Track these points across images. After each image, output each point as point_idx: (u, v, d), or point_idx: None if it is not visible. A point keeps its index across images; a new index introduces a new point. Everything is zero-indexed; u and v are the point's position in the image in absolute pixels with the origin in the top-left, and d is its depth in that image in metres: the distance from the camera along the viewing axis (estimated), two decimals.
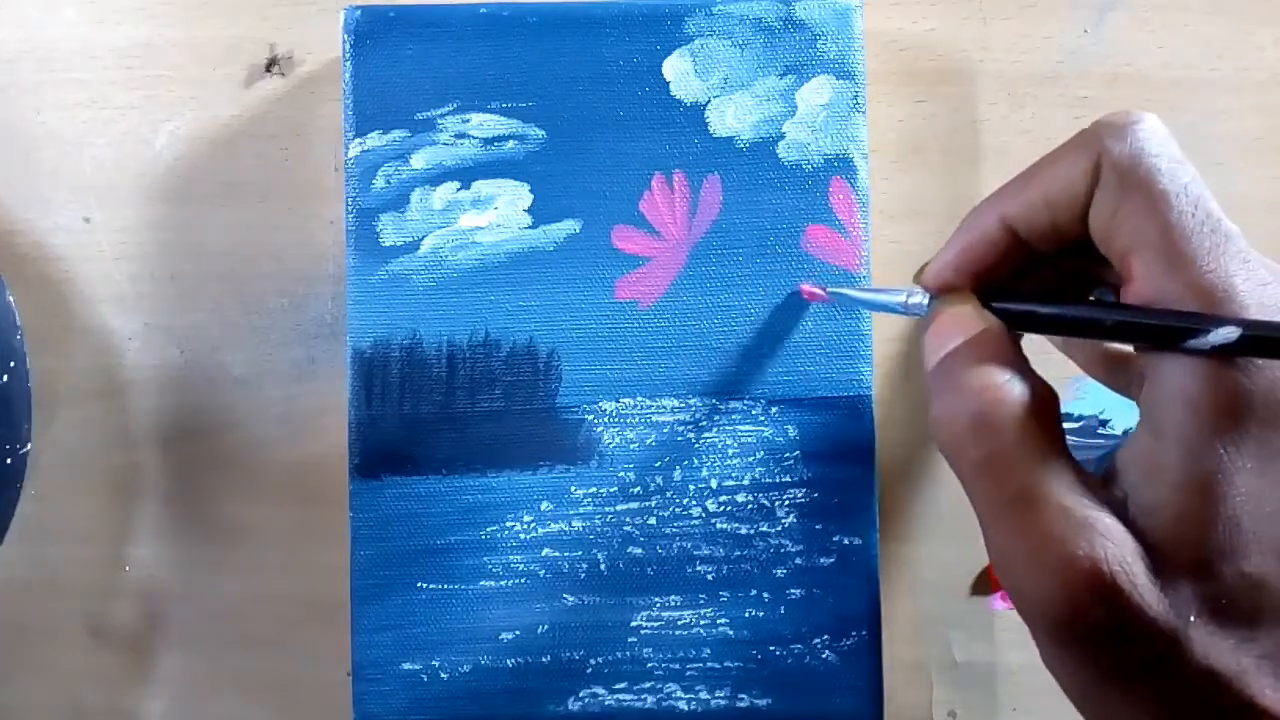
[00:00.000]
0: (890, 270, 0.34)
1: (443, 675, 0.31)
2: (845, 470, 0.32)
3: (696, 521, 0.32)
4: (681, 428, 0.32)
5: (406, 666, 0.31)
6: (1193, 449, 0.20)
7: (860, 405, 0.32)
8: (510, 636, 0.32)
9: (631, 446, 0.32)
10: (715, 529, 0.32)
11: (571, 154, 0.32)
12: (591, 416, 0.32)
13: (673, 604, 0.32)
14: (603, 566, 0.32)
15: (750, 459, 0.32)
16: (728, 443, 0.32)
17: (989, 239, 0.24)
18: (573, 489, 0.32)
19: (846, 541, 0.32)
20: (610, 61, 0.32)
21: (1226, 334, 0.19)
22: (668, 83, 0.32)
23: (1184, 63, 0.35)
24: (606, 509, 0.32)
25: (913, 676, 0.35)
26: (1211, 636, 0.20)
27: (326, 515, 0.34)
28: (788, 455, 0.32)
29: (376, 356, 0.32)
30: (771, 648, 0.31)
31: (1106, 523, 0.20)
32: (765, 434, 0.32)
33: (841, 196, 0.32)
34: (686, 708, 0.31)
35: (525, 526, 0.32)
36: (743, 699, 0.31)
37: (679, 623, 0.32)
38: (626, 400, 0.32)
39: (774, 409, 0.32)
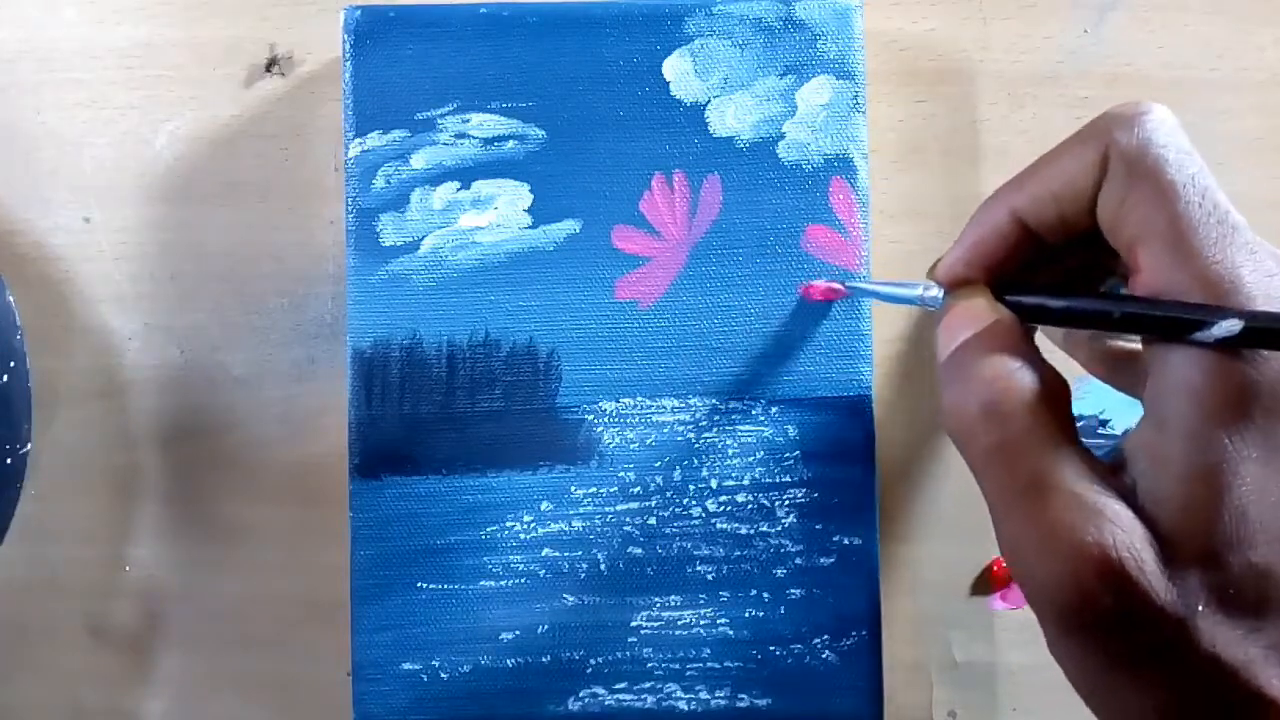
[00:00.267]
0: (890, 270, 0.34)
1: (443, 675, 0.31)
2: (845, 470, 0.32)
3: (696, 521, 0.32)
4: (681, 428, 0.32)
5: (406, 666, 0.31)
6: (1197, 440, 0.20)
7: (860, 405, 0.32)
8: (510, 636, 0.32)
9: (631, 446, 0.32)
10: (715, 529, 0.32)
11: (571, 154, 0.32)
12: (591, 416, 0.32)
13: (673, 604, 0.32)
14: (603, 566, 0.32)
15: (750, 459, 0.32)
16: (728, 443, 0.32)
17: (999, 232, 0.24)
18: (573, 489, 0.32)
19: (846, 541, 0.32)
20: (610, 61, 0.32)
21: (1230, 326, 0.20)
22: (668, 83, 0.32)
23: (1184, 63, 0.35)
24: (606, 509, 0.32)
25: (913, 676, 0.35)
26: (1219, 626, 0.20)
27: (326, 515, 0.34)
28: (788, 455, 0.32)
29: (376, 356, 0.32)
30: (771, 648, 0.31)
31: (1116, 509, 0.20)
32: (765, 434, 0.32)
33: (841, 196, 0.32)
34: (686, 708, 0.31)
35: (525, 526, 0.32)
36: (743, 699, 0.31)
37: (679, 623, 0.32)
38: (626, 400, 0.32)
39: (774, 409, 0.32)
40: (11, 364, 0.33)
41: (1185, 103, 0.35)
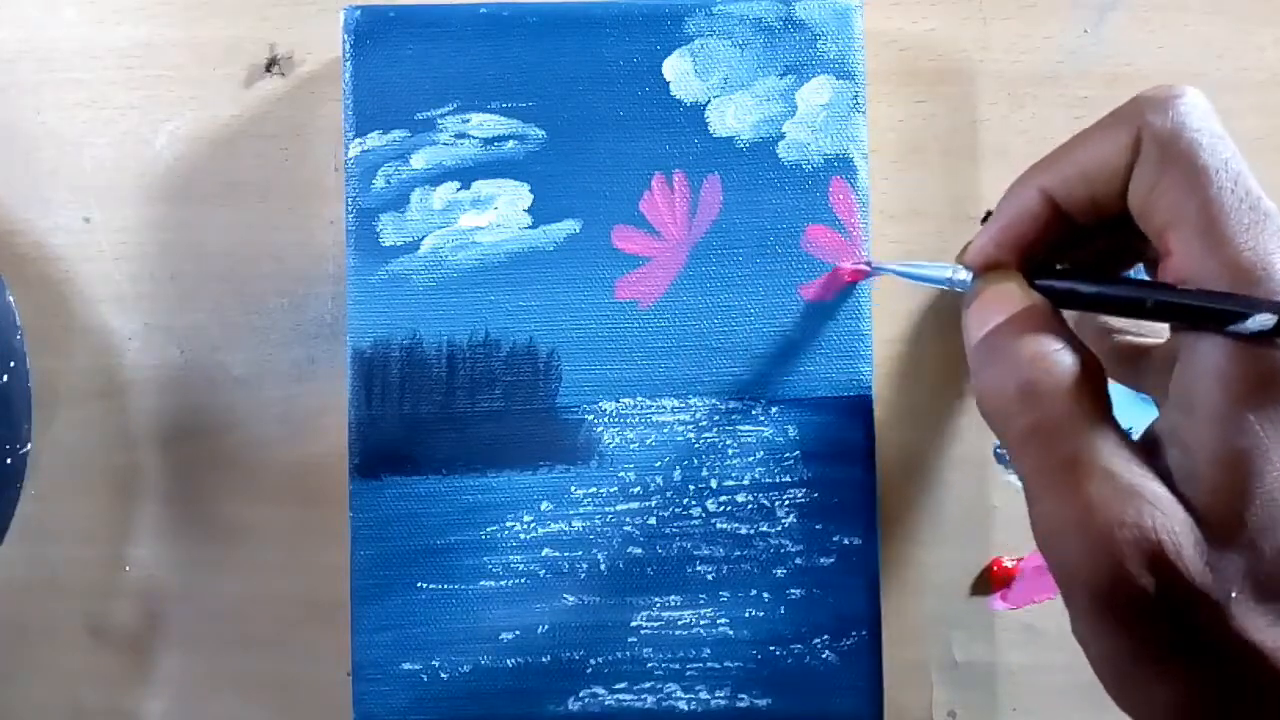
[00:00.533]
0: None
1: (443, 675, 0.31)
2: (845, 470, 0.32)
3: (696, 521, 0.32)
4: (681, 428, 0.32)
5: (406, 666, 0.31)
6: (1227, 425, 0.20)
7: (860, 405, 0.32)
8: (510, 636, 0.32)
9: (631, 446, 0.32)
10: (715, 529, 0.32)
11: (571, 154, 0.32)
12: (591, 416, 0.32)
13: (673, 604, 0.32)
14: (603, 566, 0.32)
15: (750, 459, 0.32)
16: (728, 443, 0.32)
17: (1030, 212, 0.24)
18: (573, 489, 0.32)
19: (846, 541, 0.32)
20: (610, 61, 0.32)
21: (1264, 320, 0.19)
22: (668, 83, 0.32)
23: (1184, 63, 0.35)
24: (606, 509, 0.32)
25: (913, 676, 0.35)
26: (1251, 611, 0.19)
27: (326, 515, 0.34)
28: (788, 455, 0.32)
29: (376, 356, 0.32)
30: (771, 648, 0.31)
31: (1156, 491, 0.20)
32: (765, 434, 0.32)
33: (841, 196, 0.32)
34: (686, 708, 0.31)
35: (525, 526, 0.32)
36: (743, 699, 0.31)
37: (679, 623, 0.32)
38: (626, 400, 0.32)
39: (774, 409, 0.32)
40: (11, 364, 0.33)
41: None
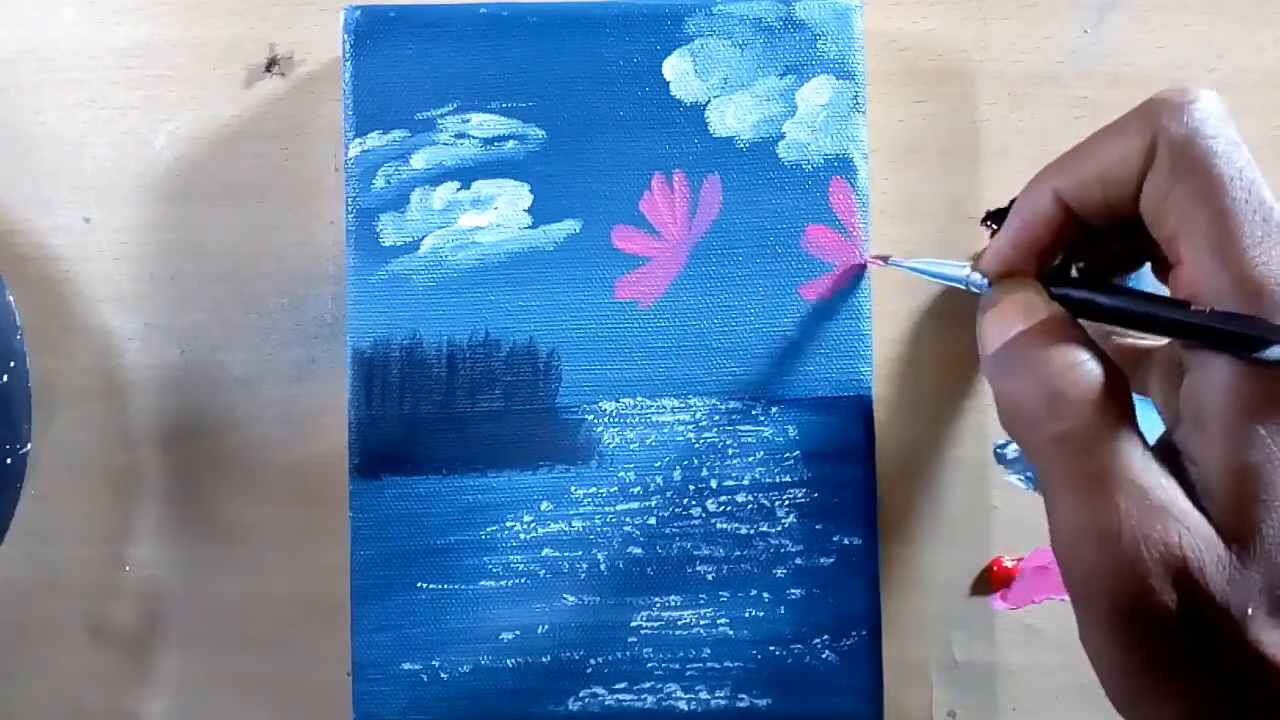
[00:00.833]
0: (891, 270, 0.34)
1: (443, 675, 0.31)
2: (845, 470, 0.32)
3: (696, 521, 0.32)
4: (681, 428, 0.32)
5: (406, 666, 0.31)
6: (1238, 440, 0.20)
7: (860, 405, 0.32)
8: (510, 636, 0.32)
9: (631, 446, 0.32)
10: (715, 529, 0.32)
11: (571, 154, 0.32)
12: (591, 416, 0.32)
13: (673, 604, 0.32)
14: (603, 566, 0.32)
15: (750, 459, 0.32)
16: (728, 443, 0.32)
17: (1043, 214, 0.24)
18: (573, 489, 0.32)
19: (846, 541, 0.32)
20: (610, 61, 0.32)
21: (1277, 352, 0.19)
22: (668, 83, 0.32)
23: (1184, 63, 0.35)
24: (606, 509, 0.32)
25: (913, 676, 0.35)
26: (1266, 626, 0.19)
27: (326, 515, 0.34)
28: (788, 455, 0.32)
29: (376, 356, 0.32)
30: (771, 648, 0.31)
31: (1183, 507, 0.20)
32: (765, 434, 0.32)
33: (841, 196, 0.32)
34: (686, 708, 0.31)
35: (525, 526, 0.32)
36: (743, 699, 0.31)
37: (679, 623, 0.32)
38: (626, 400, 0.32)
39: (774, 409, 0.32)
40: (11, 364, 0.33)
41: None
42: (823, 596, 0.31)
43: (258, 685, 0.35)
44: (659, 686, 0.31)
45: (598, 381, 0.32)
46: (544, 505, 0.32)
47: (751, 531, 0.32)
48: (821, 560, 0.32)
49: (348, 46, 0.32)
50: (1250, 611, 0.19)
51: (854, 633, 0.31)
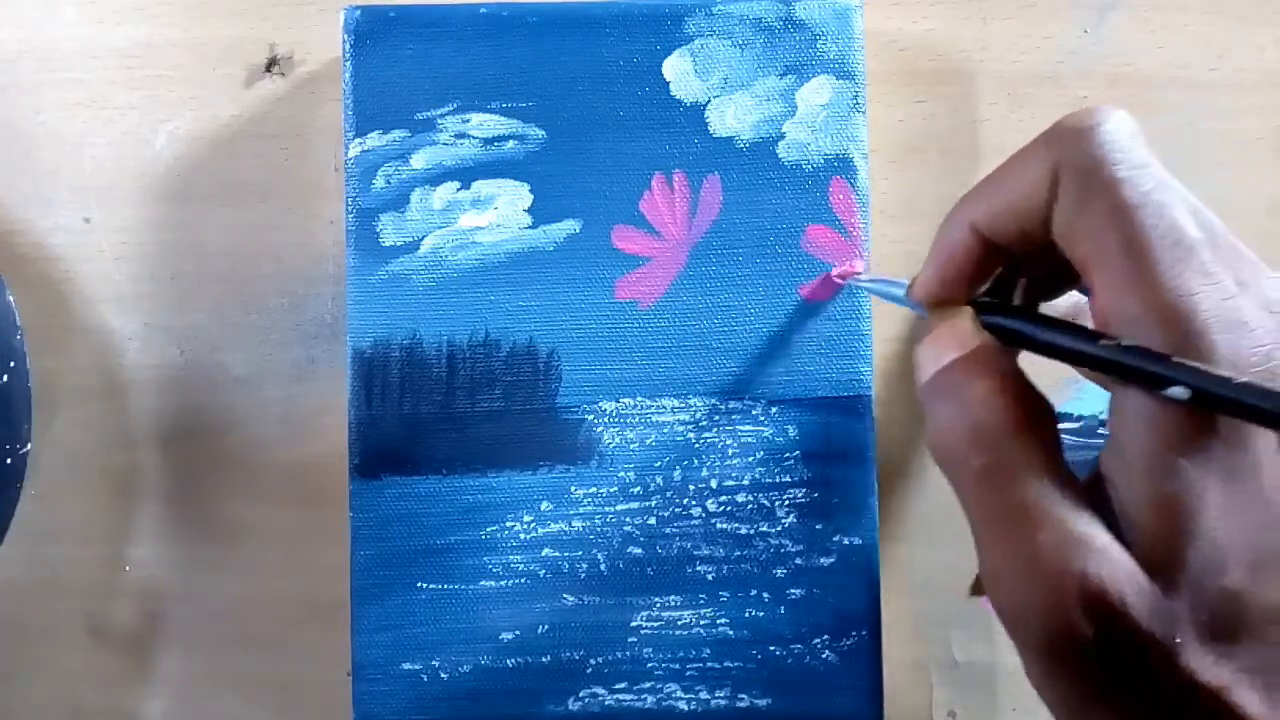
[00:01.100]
0: (890, 270, 0.34)
1: (443, 675, 0.31)
2: (845, 470, 0.32)
3: (696, 521, 0.32)
4: (681, 428, 0.32)
5: (406, 666, 0.31)
6: (1159, 469, 0.20)
7: (860, 405, 0.32)
8: (510, 636, 0.32)
9: (631, 446, 0.32)
10: (715, 529, 0.32)
11: (571, 154, 0.32)
12: (591, 416, 0.32)
13: (673, 604, 0.32)
14: (603, 566, 0.32)
15: (750, 459, 0.32)
16: (728, 443, 0.32)
17: (962, 246, 0.24)
18: (573, 489, 0.32)
19: (846, 541, 0.32)
20: (610, 61, 0.32)
21: (1179, 393, 0.19)
22: (668, 83, 0.32)
23: (1184, 63, 0.35)
24: (606, 509, 0.32)
25: (913, 676, 0.35)
26: (1197, 652, 0.19)
27: (326, 515, 0.34)
28: (788, 455, 0.32)
29: (376, 356, 0.32)
30: (771, 648, 0.31)
31: (1103, 539, 0.20)
32: (765, 434, 0.32)
33: (841, 196, 0.32)
34: (686, 708, 0.31)
35: (525, 526, 0.32)
36: (743, 699, 0.31)
37: (679, 623, 0.32)
38: (626, 400, 0.32)
39: (774, 409, 0.32)
40: (11, 364, 0.33)
41: (1185, 103, 0.35)
42: (823, 596, 0.31)
43: (258, 685, 0.35)
44: (659, 686, 0.31)
45: (598, 381, 0.32)
46: (544, 505, 0.32)
47: (751, 531, 0.32)
48: (821, 560, 0.32)
49: (348, 46, 0.32)
50: (1179, 640, 0.19)
51: (854, 633, 0.31)
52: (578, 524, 0.32)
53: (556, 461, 0.32)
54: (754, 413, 0.32)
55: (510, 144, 0.32)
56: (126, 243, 0.35)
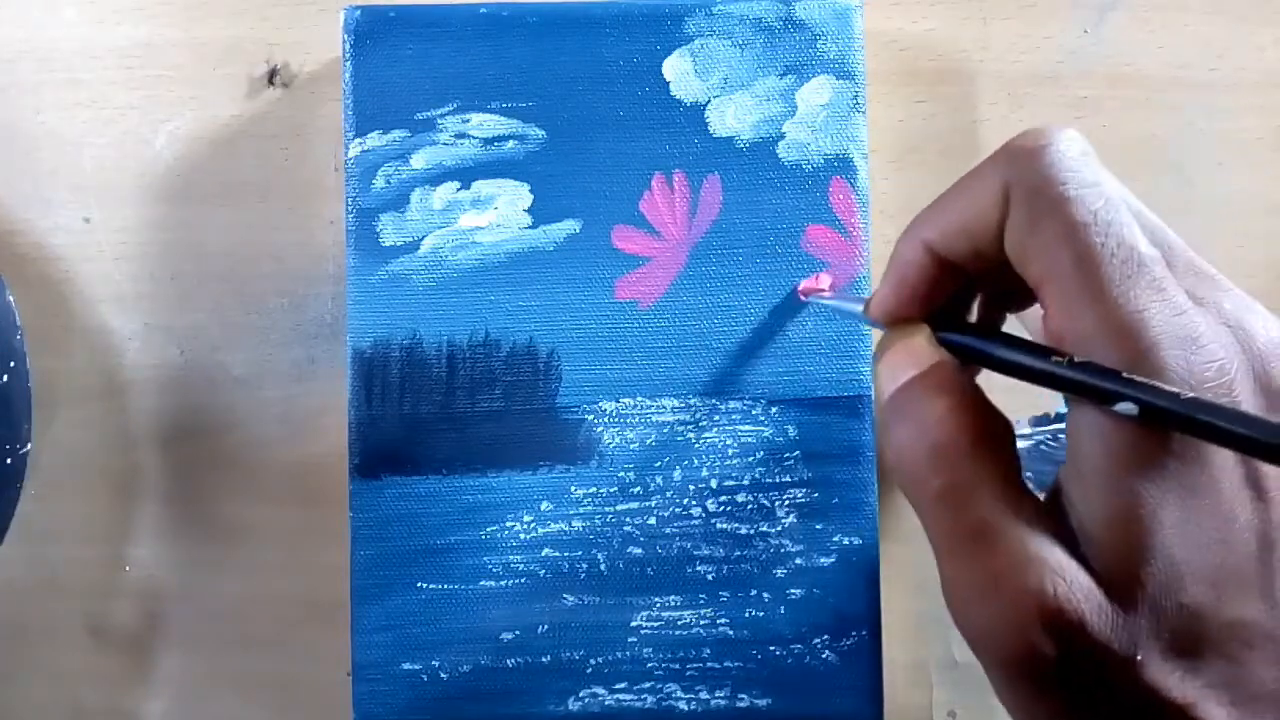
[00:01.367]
0: None
1: (443, 675, 0.31)
2: (845, 470, 0.32)
3: (696, 521, 0.32)
4: (681, 428, 0.32)
5: (406, 666, 0.31)
6: (1114, 487, 0.20)
7: (860, 405, 0.32)
8: (510, 636, 0.32)
9: (631, 446, 0.32)
10: (715, 529, 0.32)
11: (571, 154, 0.32)
12: (591, 416, 0.32)
13: (673, 604, 0.32)
14: (603, 566, 0.32)
15: (750, 459, 0.32)
16: (728, 443, 0.32)
17: (916, 265, 0.24)
18: (573, 489, 0.32)
19: (846, 541, 0.32)
20: (610, 61, 0.32)
21: (1127, 409, 0.19)
22: (668, 83, 0.32)
23: (1184, 63, 0.35)
24: (606, 509, 0.32)
25: (913, 676, 0.35)
26: (1159, 669, 0.19)
27: (326, 515, 0.34)
28: (788, 455, 0.32)
29: (376, 356, 0.32)
30: (771, 648, 0.31)
31: (1060, 558, 0.20)
32: (765, 434, 0.32)
33: (841, 196, 0.32)
34: (686, 708, 0.31)
35: (525, 526, 0.32)
36: (743, 699, 0.31)
37: (679, 623, 0.32)
38: (626, 400, 0.32)
39: (774, 409, 0.32)
40: (11, 364, 0.33)
41: (1185, 103, 0.35)
42: (823, 596, 0.31)
43: (258, 685, 0.35)
44: (659, 686, 0.31)
45: (598, 381, 0.32)
46: (544, 505, 0.32)
47: (751, 531, 0.32)
48: (821, 560, 0.32)
49: (348, 46, 0.32)
50: (1140, 656, 0.19)
51: (854, 633, 0.31)
52: (578, 524, 0.32)
53: (556, 461, 0.32)
54: (754, 413, 0.32)
55: (510, 144, 0.32)
56: (126, 243, 0.35)
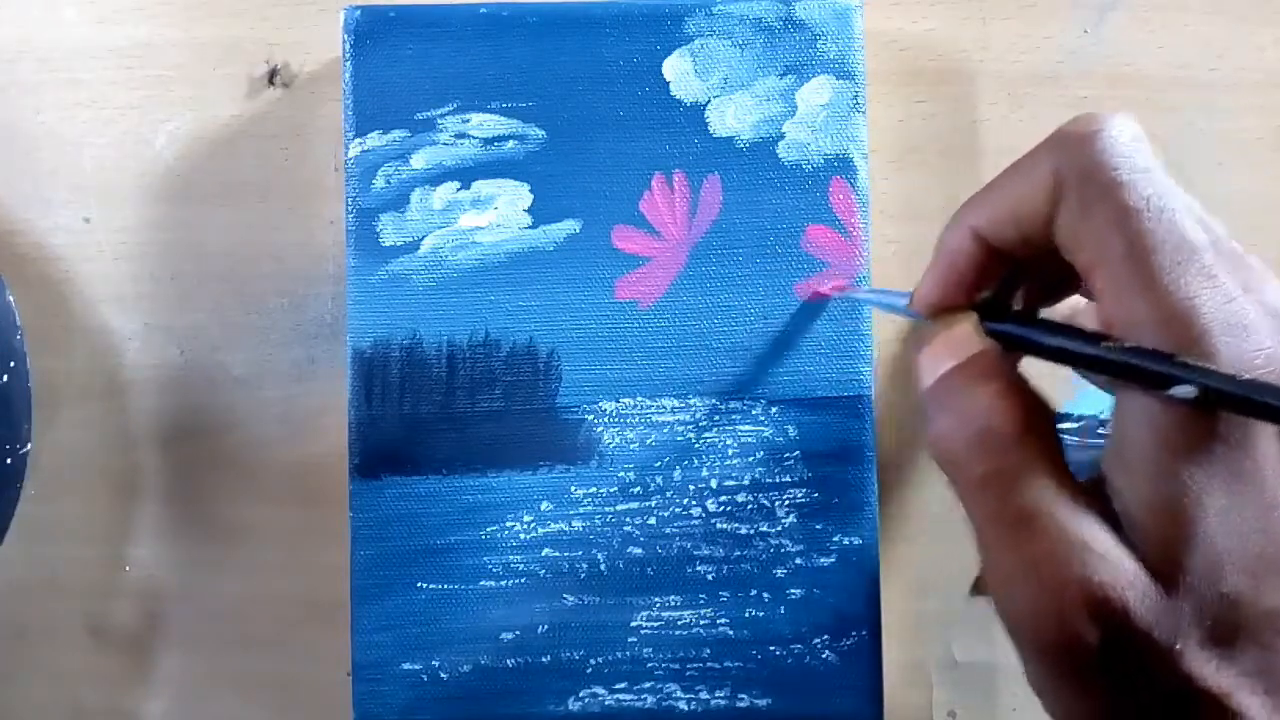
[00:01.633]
0: (890, 270, 0.34)
1: (443, 675, 0.31)
2: (845, 470, 0.32)
3: (696, 521, 0.32)
4: (681, 428, 0.32)
5: (406, 666, 0.31)
6: (1161, 473, 0.20)
7: (860, 405, 0.32)
8: (510, 636, 0.32)
9: (631, 446, 0.32)
10: (715, 529, 0.32)
11: (571, 154, 0.32)
12: (591, 416, 0.32)
13: (673, 604, 0.32)
14: (603, 566, 0.32)
15: (750, 459, 0.32)
16: (728, 443, 0.32)
17: (964, 253, 0.24)
18: (573, 489, 0.32)
19: (846, 541, 0.32)
20: (610, 61, 0.32)
21: (1186, 391, 0.19)
22: (668, 83, 0.32)
23: (1184, 63, 0.35)
24: (606, 509, 0.32)
25: (913, 676, 0.35)
26: (1198, 657, 0.20)
27: (326, 515, 0.34)
28: (788, 455, 0.32)
29: (376, 356, 0.32)
30: (771, 648, 0.31)
31: (1105, 543, 0.20)
32: (765, 434, 0.32)
33: (841, 196, 0.32)
34: (686, 708, 0.31)
35: (525, 526, 0.32)
36: (743, 699, 0.31)
37: (679, 623, 0.32)
38: (626, 400, 0.32)
39: (774, 409, 0.32)
40: (11, 364, 0.33)
41: (1185, 103, 0.35)
42: (823, 596, 0.31)
43: (258, 685, 0.35)
44: (659, 686, 0.31)
45: (598, 381, 0.32)
46: (544, 505, 0.32)
47: (751, 531, 0.32)
48: (821, 560, 0.32)
49: (348, 46, 0.32)
50: (1180, 644, 0.19)
51: (854, 633, 0.31)
52: (578, 524, 0.32)
53: (556, 461, 0.32)
54: (754, 413, 0.32)
55: (510, 144, 0.32)
56: (126, 243, 0.35)
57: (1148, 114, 0.35)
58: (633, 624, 0.32)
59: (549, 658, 0.31)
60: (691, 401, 0.32)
